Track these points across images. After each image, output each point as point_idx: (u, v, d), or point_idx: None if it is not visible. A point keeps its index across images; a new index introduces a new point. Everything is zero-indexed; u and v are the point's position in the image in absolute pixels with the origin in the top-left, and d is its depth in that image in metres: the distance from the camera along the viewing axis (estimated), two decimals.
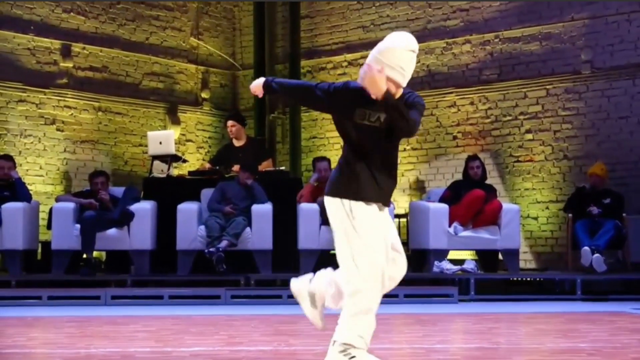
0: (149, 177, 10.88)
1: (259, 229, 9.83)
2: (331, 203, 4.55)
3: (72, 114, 12.20)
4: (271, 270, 9.88)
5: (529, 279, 10.69)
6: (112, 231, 9.88)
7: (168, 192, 10.44)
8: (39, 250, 10.57)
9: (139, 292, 9.18)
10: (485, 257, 10.40)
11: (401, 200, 12.37)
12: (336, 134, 13.42)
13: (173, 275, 9.94)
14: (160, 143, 10.86)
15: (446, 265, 9.77)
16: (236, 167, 10.48)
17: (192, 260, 9.86)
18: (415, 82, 12.69)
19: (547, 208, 11.56)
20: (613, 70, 11.27)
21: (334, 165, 12.23)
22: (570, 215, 10.32)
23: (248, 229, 9.83)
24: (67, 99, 12.17)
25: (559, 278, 10.29)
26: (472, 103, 12.24)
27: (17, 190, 9.92)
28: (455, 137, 12.31)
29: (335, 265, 4.61)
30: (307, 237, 9.82)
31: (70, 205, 9.91)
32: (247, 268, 9.82)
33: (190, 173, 11.14)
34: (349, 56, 13.30)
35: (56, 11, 12.15)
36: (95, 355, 4.89)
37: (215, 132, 13.87)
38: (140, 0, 13.08)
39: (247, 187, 10.09)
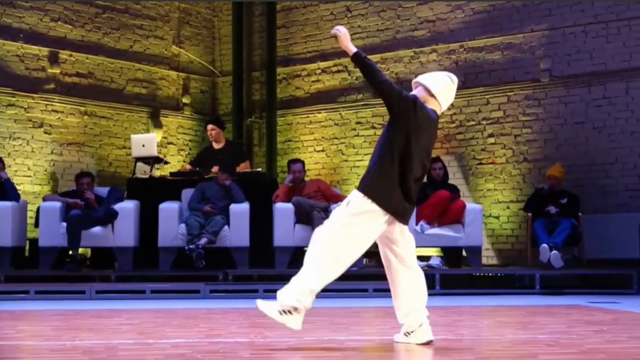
0: (132, 178, 10.83)
1: (236, 227, 9.82)
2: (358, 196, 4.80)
3: (59, 118, 12.11)
4: (248, 266, 9.87)
5: (490, 274, 10.73)
6: (97, 229, 9.82)
7: (150, 192, 10.40)
8: (27, 247, 10.50)
9: (122, 287, 9.14)
10: (450, 254, 10.43)
11: None
12: (310, 137, 13.49)
13: (155, 271, 9.90)
14: (143, 146, 10.82)
15: None
16: (215, 169, 10.46)
17: (173, 256, 9.83)
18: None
19: (508, 208, 11.61)
20: (570, 78, 11.33)
21: (308, 166, 12.23)
22: (529, 214, 10.38)
23: (226, 227, 9.81)
24: (54, 103, 12.07)
25: (519, 273, 10.33)
26: None
27: (6, 190, 9.85)
28: None
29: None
30: (282, 235, 9.82)
31: (57, 204, 9.84)
32: (226, 264, 9.81)
33: (171, 174, 11.11)
34: (323, 64, 13.30)
35: (44, 20, 12.06)
36: (81, 347, 4.86)
37: (195, 136, 13.81)
38: (125, 10, 13.00)
39: (225, 187, 10.08)
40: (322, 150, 13.19)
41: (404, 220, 4.79)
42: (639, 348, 4.84)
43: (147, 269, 10.03)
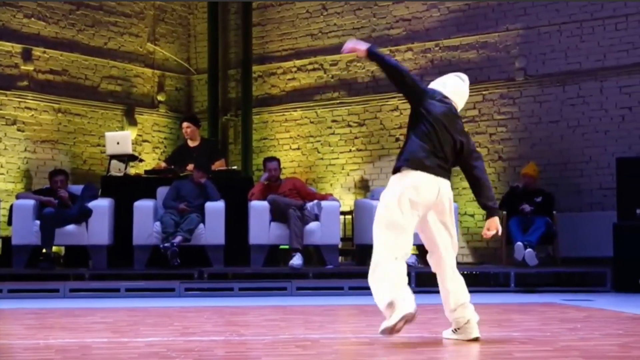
0: (107, 176, 10.77)
1: (211, 225, 9.79)
2: None
3: (32, 115, 12.02)
4: (223, 264, 9.85)
5: (466, 272, 10.75)
6: (71, 227, 9.77)
7: (125, 190, 10.35)
8: (0, 245, 10.42)
9: (96, 285, 9.09)
10: (426, 252, 10.41)
11: (347, 198, 12.38)
12: (285, 135, 13.49)
13: (129, 269, 9.86)
14: (118, 143, 10.76)
15: None
16: (190, 167, 10.43)
17: (147, 254, 9.79)
18: (361, 88, 12.74)
19: None
20: (545, 77, 11.39)
21: (283, 164, 12.22)
22: (504, 212, 10.42)
23: (201, 225, 9.79)
24: (27, 100, 11.99)
25: (494, 271, 10.38)
26: None
27: None
28: (397, 140, 12.35)
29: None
30: (258, 233, 9.81)
31: (31, 202, 9.77)
32: (201, 262, 9.78)
33: (146, 172, 11.06)
34: (298, 62, 13.29)
35: (17, 16, 11.97)
36: (54, 346, 4.82)
37: (170, 133, 13.77)
38: (99, 7, 12.93)
39: (200, 185, 10.05)
40: (298, 149, 13.19)
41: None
42: (612, 345, 4.88)
43: (122, 267, 9.99)
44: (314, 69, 13.16)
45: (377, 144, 12.53)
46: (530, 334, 5.16)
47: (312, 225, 9.86)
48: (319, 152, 12.98)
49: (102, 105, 12.89)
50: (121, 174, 10.63)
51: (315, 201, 10.04)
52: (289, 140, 13.29)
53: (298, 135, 13.20)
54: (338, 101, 12.89)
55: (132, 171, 11.02)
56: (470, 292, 5.10)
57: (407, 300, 4.66)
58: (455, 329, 4.99)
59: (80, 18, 12.69)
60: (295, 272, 9.47)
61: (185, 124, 11.09)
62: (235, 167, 11.64)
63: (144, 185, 10.51)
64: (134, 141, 12.39)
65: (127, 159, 10.73)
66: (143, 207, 9.86)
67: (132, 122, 13.14)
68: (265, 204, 9.87)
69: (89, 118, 12.71)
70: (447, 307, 4.99)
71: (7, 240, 10.26)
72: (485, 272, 10.46)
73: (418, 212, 4.81)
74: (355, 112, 12.68)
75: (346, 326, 6.36)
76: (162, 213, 9.87)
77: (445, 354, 4.56)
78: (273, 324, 6.14)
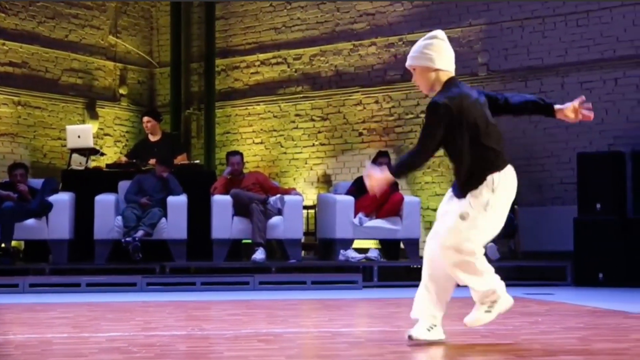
0: (68, 170, 10.68)
1: (174, 219, 9.76)
2: None
3: None
4: (186, 259, 9.82)
5: None
6: (31, 221, 9.68)
7: (86, 184, 10.28)
8: None
9: (57, 280, 9.02)
10: (388, 246, 10.49)
11: (310, 193, 12.39)
12: (249, 129, 13.47)
13: (90, 263, 9.80)
14: (79, 137, 10.69)
15: (351, 254, 9.84)
16: (152, 161, 10.38)
17: (109, 249, 9.73)
18: (324, 82, 12.74)
19: None
20: (507, 72, 11.48)
21: (246, 159, 12.18)
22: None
23: (164, 219, 9.75)
24: None
25: None
26: (377, 102, 12.33)
27: None
28: (361, 134, 12.38)
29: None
30: (220, 227, 9.78)
31: None
32: (163, 257, 9.74)
33: (107, 166, 10.99)
34: (262, 56, 13.26)
35: None
36: (14, 342, 4.78)
37: (132, 127, 13.68)
38: None
39: (163, 179, 10.00)
40: (261, 143, 13.17)
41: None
42: (572, 338, 4.93)
43: (83, 262, 9.92)
44: (277, 63, 13.14)
45: (340, 138, 12.55)
46: (491, 327, 5.20)
47: (275, 219, 9.86)
48: (282, 147, 12.97)
49: (63, 99, 12.77)
50: (82, 168, 10.55)
51: (278, 195, 10.05)
52: (252, 135, 13.27)
53: (261, 130, 13.18)
54: (301, 95, 12.88)
55: (93, 165, 10.94)
56: None
57: (506, 296, 4.82)
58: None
59: (41, 10, 12.56)
60: (258, 266, 9.46)
61: (145, 119, 11.04)
62: (197, 161, 11.61)
63: (106, 179, 10.44)
64: (95, 135, 12.29)
65: (88, 152, 10.67)
66: (104, 201, 9.80)
67: (94, 116, 13.04)
68: (227, 198, 9.85)
69: (50, 111, 12.59)
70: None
71: None
72: None
73: None
74: (318, 106, 12.69)
75: (309, 320, 6.36)
76: (124, 207, 9.82)
77: (407, 347, 4.58)
78: (235, 319, 6.14)
